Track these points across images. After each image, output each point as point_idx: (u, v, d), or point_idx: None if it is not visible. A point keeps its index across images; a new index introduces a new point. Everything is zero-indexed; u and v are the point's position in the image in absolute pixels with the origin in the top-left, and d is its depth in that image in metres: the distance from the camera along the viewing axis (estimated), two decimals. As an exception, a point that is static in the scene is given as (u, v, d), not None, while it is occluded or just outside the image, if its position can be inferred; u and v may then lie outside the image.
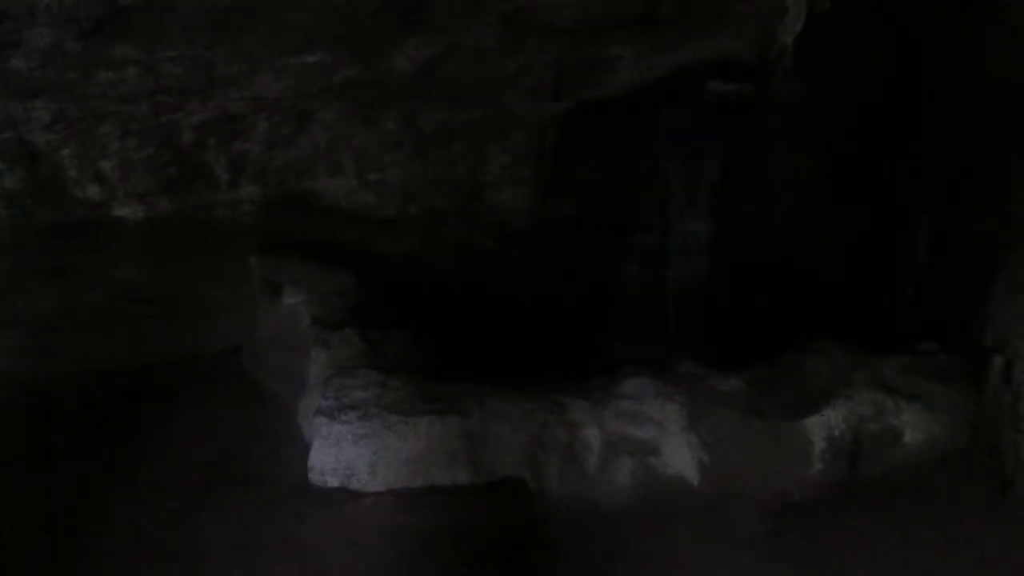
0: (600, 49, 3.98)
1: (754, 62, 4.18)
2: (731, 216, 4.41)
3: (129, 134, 3.53)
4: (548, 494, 2.86)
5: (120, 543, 2.73)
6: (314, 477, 2.83)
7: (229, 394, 3.66)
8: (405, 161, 4.19)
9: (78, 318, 3.84)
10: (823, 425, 2.91)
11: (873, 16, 4.01)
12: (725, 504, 2.82)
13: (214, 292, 4.06)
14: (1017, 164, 3.14)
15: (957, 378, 3.05)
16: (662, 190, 4.45)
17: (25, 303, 3.77)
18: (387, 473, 2.80)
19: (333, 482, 2.81)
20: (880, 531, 2.74)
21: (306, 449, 2.89)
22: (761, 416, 2.90)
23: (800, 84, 4.24)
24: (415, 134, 4.09)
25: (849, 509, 2.82)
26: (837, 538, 2.73)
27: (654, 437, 2.90)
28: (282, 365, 3.57)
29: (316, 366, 3.22)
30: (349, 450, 2.79)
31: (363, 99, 3.82)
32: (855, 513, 2.81)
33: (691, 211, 4.43)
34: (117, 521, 2.82)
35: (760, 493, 2.84)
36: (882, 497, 2.86)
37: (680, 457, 2.88)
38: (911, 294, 3.70)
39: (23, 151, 3.43)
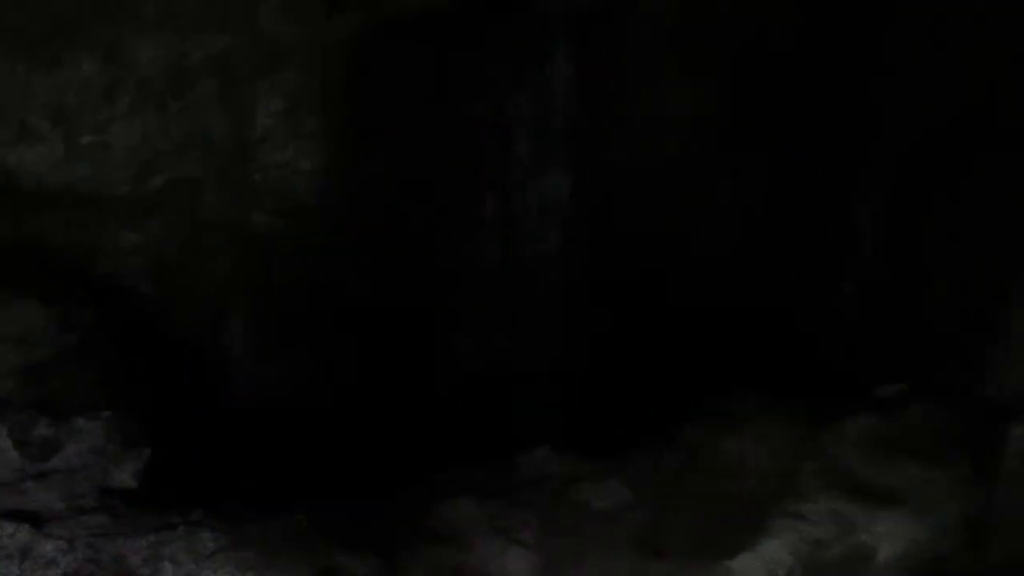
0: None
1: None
2: (595, 170, 3.28)
3: None
4: None
5: None
6: None
7: None
8: (129, 114, 2.92)
9: None
10: (761, 567, 1.83)
11: None
12: None
13: None
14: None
15: (947, 450, 2.00)
16: (500, 136, 3.27)
17: None
18: None
19: None
20: None
21: None
22: (660, 556, 1.80)
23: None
24: (130, 76, 2.82)
25: None
26: None
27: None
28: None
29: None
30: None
31: (24, 32, 2.53)
32: None
33: (541, 164, 3.27)
34: None
35: None
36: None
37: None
38: (849, 295, 2.64)
39: None
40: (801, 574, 1.82)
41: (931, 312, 2.26)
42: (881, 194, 2.56)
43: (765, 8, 3.12)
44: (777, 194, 3.00)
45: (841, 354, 2.52)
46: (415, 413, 3.18)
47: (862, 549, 1.86)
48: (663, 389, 2.59)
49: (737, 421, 2.07)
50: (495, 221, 3.38)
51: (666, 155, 3.31)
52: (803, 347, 2.61)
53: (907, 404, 2.10)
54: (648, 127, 3.32)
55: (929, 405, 2.07)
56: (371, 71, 3.12)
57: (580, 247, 3.34)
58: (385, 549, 1.82)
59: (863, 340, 2.55)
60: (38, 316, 2.58)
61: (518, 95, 3.25)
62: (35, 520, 1.85)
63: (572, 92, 3.24)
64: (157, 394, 2.64)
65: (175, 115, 2.98)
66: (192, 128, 3.02)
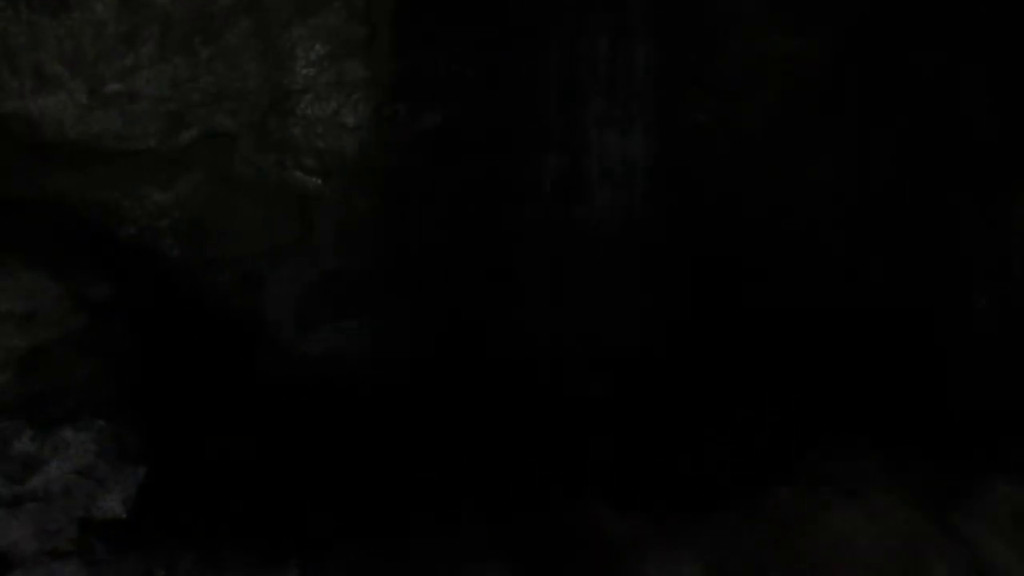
0: None
1: None
2: (679, 126, 2.84)
3: None
4: None
5: None
6: None
7: None
8: (156, 61, 2.61)
9: None
10: None
11: None
12: None
13: None
14: None
15: None
16: (569, 87, 2.86)
17: None
18: None
19: None
20: None
21: None
22: None
23: None
24: (151, 19, 2.50)
25: None
26: None
27: None
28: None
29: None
30: None
31: (21, -29, 2.22)
32: None
33: (616, 117, 2.85)
34: None
35: None
36: None
37: None
38: (985, 309, 2.17)
39: None
40: None
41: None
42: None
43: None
44: (901, 175, 2.52)
45: (972, 384, 2.08)
46: (464, 398, 2.88)
47: None
48: (748, 406, 2.21)
49: (844, 490, 1.67)
50: (563, 184, 2.99)
51: (763, 115, 2.85)
52: (919, 368, 2.18)
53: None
54: (741, 79, 2.86)
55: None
56: (423, 12, 2.73)
57: (655, 220, 2.93)
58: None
59: (1001, 369, 2.10)
60: (49, 291, 2.35)
61: (589, 36, 2.81)
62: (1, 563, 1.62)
63: (651, 34, 2.79)
64: (175, 377, 2.40)
65: (206, 62, 2.67)
66: (225, 77, 2.70)
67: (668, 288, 2.85)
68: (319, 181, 2.88)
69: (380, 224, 2.97)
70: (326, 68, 2.75)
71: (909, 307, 2.34)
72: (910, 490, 1.66)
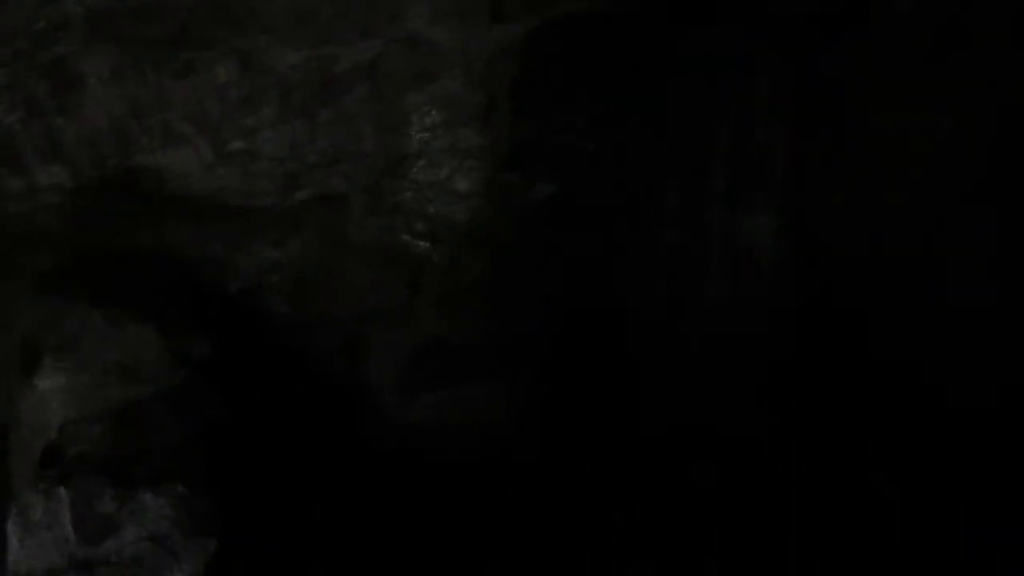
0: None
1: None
2: (815, 210, 2.66)
3: None
4: None
5: None
6: None
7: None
8: (276, 123, 2.66)
9: None
10: None
11: None
12: None
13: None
14: None
15: None
16: (694, 162, 2.73)
17: None
18: None
19: None
20: None
21: None
22: None
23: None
24: (272, 84, 2.54)
25: None
26: None
27: None
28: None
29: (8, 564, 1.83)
30: None
31: (147, 40, 2.29)
32: None
33: (742, 197, 2.70)
34: None
35: None
36: None
37: None
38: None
39: None
40: None
41: None
42: None
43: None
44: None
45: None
46: (567, 472, 2.75)
47: None
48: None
49: None
50: (678, 261, 2.85)
51: (922, 202, 2.61)
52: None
53: None
54: (890, 163, 2.65)
55: None
56: (540, 82, 2.67)
57: (792, 315, 2.73)
58: None
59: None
60: (151, 345, 2.39)
61: (716, 113, 2.68)
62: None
63: (784, 112, 2.63)
64: (264, 439, 2.39)
65: (323, 125, 2.69)
66: (341, 140, 2.71)
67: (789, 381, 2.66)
68: (428, 246, 2.85)
69: (488, 292, 2.90)
70: (441, 134, 2.72)
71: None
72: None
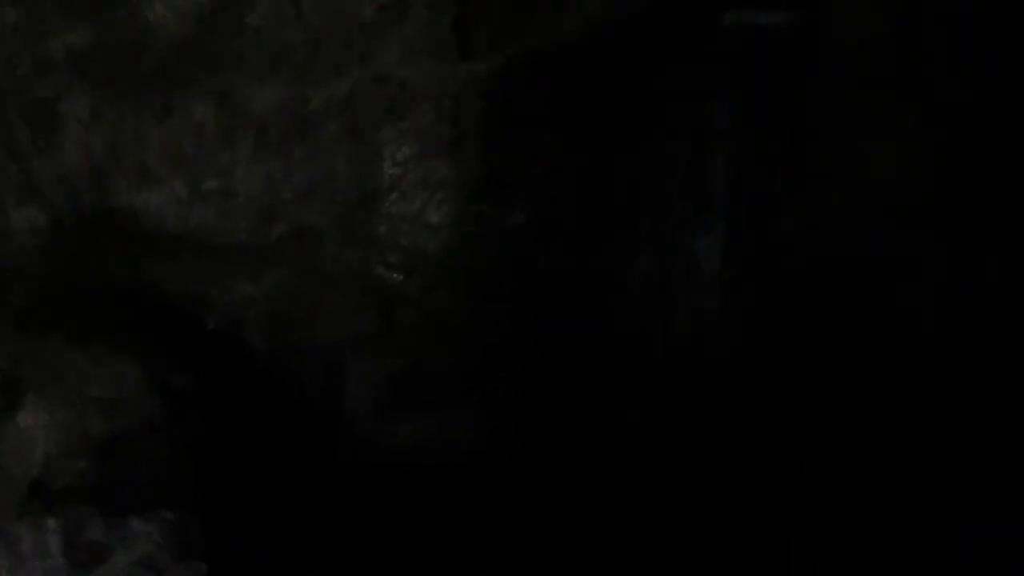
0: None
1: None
2: (772, 230, 2.78)
3: None
4: None
5: None
6: None
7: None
8: (251, 160, 2.73)
9: None
10: None
11: None
12: None
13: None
14: None
15: None
16: (661, 189, 2.84)
17: None
18: None
19: None
20: None
21: None
22: None
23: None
24: (247, 123, 2.62)
25: None
26: None
27: None
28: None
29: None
30: None
31: (127, 80, 2.36)
32: None
33: (704, 223, 2.82)
34: None
35: None
36: None
37: None
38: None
39: None
40: None
41: None
42: None
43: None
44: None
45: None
46: (541, 497, 2.82)
47: None
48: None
49: None
50: (651, 286, 2.95)
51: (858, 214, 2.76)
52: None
53: None
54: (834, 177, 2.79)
55: None
56: (509, 115, 2.77)
57: (744, 322, 2.86)
58: None
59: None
60: (133, 378, 2.44)
61: (676, 145, 2.80)
62: (58, 652, 1.65)
63: (739, 143, 2.76)
64: (248, 466, 2.44)
65: (297, 162, 2.77)
66: (315, 176, 2.79)
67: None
68: (402, 277, 2.92)
69: (462, 320, 2.98)
70: (412, 168, 2.82)
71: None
72: None
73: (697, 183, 2.81)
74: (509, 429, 2.98)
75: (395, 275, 2.92)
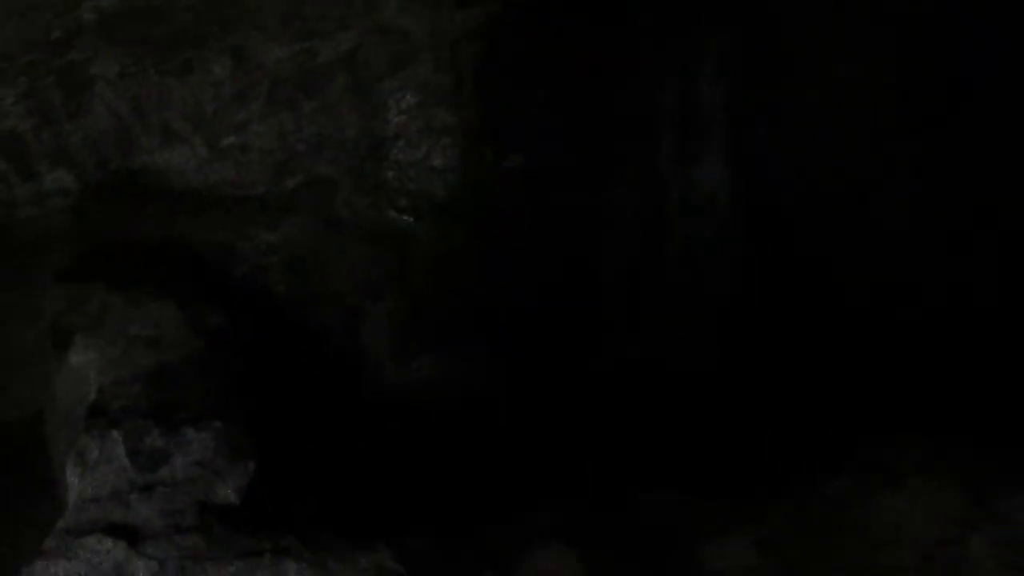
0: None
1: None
2: (756, 157, 2.97)
3: None
4: None
5: None
6: None
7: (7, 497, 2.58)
8: (265, 115, 2.92)
9: None
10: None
11: None
12: None
13: (21, 332, 2.95)
14: None
15: None
16: (647, 124, 3.03)
17: None
18: None
19: None
20: None
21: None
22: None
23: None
24: (260, 78, 2.80)
25: None
26: None
27: None
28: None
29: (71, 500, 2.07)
30: None
31: (151, 41, 2.55)
32: None
33: (692, 156, 3.01)
34: None
35: None
36: None
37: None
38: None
39: None
40: None
41: None
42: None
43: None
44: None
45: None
46: (552, 419, 3.03)
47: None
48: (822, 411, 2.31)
49: (895, 476, 1.75)
50: (646, 217, 3.15)
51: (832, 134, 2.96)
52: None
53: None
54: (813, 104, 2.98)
55: None
56: (504, 61, 2.96)
57: (734, 247, 3.06)
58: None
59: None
60: (172, 318, 2.62)
61: (665, 80, 2.99)
62: (133, 536, 1.85)
63: (727, 71, 2.95)
64: (280, 397, 2.63)
65: (309, 115, 2.95)
66: (326, 128, 2.97)
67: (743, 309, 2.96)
68: (412, 220, 3.12)
69: (469, 259, 3.17)
70: (416, 116, 3.00)
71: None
72: (959, 476, 1.72)
73: (685, 117, 3.01)
74: (513, 363, 3.18)
75: (405, 218, 3.12)
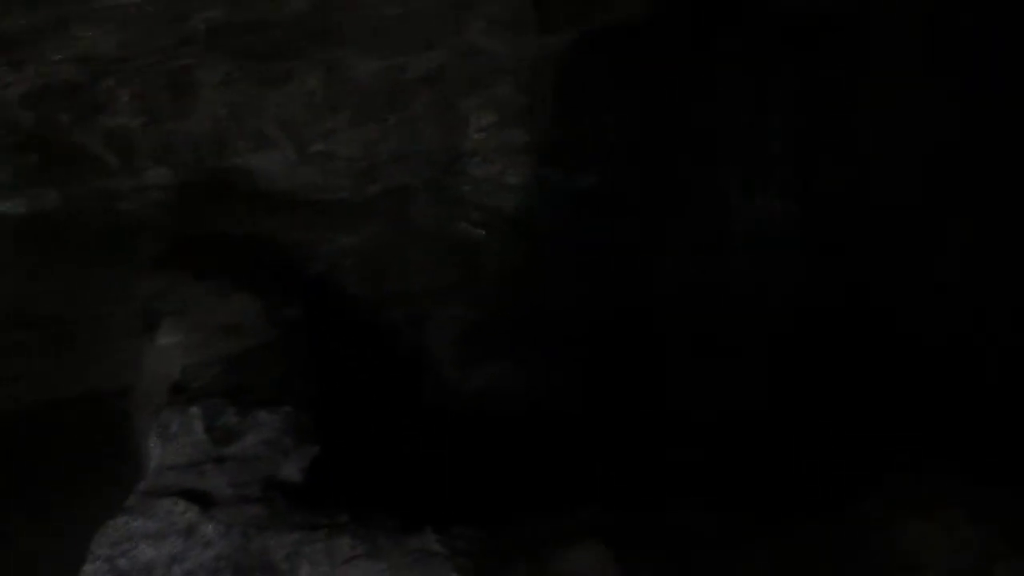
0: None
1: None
2: (824, 191, 3.05)
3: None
4: None
5: None
6: None
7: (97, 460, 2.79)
8: (353, 126, 3.11)
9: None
10: None
11: None
12: None
13: (116, 312, 3.18)
14: None
15: None
16: (715, 152, 3.13)
17: None
18: None
19: None
20: None
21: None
22: None
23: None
24: (350, 91, 2.99)
25: None
26: None
27: None
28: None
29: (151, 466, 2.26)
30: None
31: (254, 52, 2.75)
32: None
33: (757, 187, 3.10)
34: None
35: None
36: None
37: None
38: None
39: None
40: None
41: None
42: None
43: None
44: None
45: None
46: (605, 431, 3.12)
47: None
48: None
49: (921, 505, 1.80)
50: (710, 244, 3.24)
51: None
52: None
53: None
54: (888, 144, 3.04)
55: None
56: (578, 85, 3.10)
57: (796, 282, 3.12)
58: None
59: None
60: (252, 309, 2.81)
61: (733, 111, 3.09)
62: (205, 501, 2.01)
63: (795, 109, 3.04)
64: (346, 390, 2.79)
65: (393, 127, 3.13)
66: (408, 140, 3.15)
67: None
68: (483, 233, 3.27)
69: (535, 274, 3.31)
70: (493, 134, 3.16)
71: None
72: (988, 505, 1.77)
73: (756, 145, 3.09)
74: (575, 380, 3.29)
75: (477, 230, 3.27)
